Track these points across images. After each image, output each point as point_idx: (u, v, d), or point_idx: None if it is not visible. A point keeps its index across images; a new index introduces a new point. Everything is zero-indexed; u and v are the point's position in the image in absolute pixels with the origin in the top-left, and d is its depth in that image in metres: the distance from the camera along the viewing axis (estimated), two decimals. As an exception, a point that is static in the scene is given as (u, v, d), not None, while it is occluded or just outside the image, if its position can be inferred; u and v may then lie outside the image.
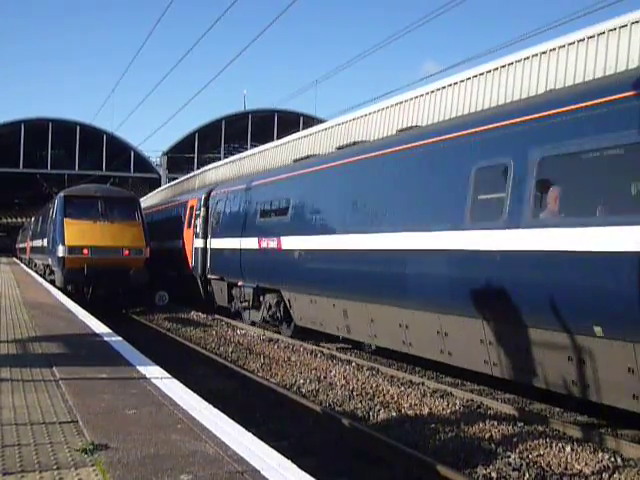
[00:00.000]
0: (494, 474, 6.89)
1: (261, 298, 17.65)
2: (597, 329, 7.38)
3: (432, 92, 14.58)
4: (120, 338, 10.08)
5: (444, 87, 14.11)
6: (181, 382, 6.81)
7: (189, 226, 23.13)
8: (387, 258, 11.31)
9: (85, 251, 21.30)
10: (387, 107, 16.48)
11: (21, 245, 53.08)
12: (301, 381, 11.60)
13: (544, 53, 11.33)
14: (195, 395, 6.21)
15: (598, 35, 10.21)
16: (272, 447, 4.61)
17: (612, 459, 7.33)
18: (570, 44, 10.78)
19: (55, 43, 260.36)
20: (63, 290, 20.43)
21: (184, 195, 27.24)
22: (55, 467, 4.11)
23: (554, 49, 11.08)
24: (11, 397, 5.96)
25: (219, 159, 41.65)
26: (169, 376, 7.11)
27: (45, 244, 25.89)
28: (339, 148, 15.31)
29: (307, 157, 17.49)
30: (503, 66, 12.29)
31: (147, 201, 41.77)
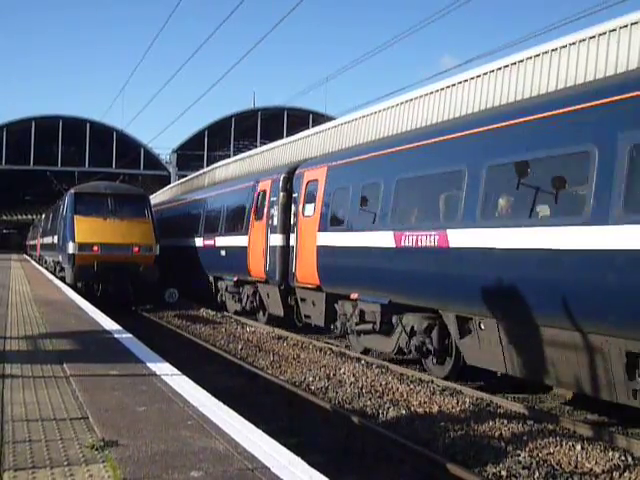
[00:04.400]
0: (504, 472, 6.87)
1: None
2: None
3: (448, 87, 14.42)
4: (130, 335, 10.10)
5: (460, 82, 13.96)
6: (191, 379, 6.82)
7: None
8: None
9: (95, 248, 21.39)
10: (401, 103, 16.33)
11: (31, 242, 53.40)
12: (310, 378, 11.60)
13: (559, 48, 11.24)
14: (205, 392, 6.21)
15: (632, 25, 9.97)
16: (282, 444, 4.61)
17: (623, 458, 7.29)
18: (591, 38, 10.64)
19: (65, 39, 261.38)
20: (73, 287, 20.51)
21: None
22: (66, 463, 4.12)
23: (574, 43, 10.97)
24: (22, 393, 5.98)
25: (229, 156, 41.67)
26: (179, 373, 7.12)
27: (55, 241, 26.00)
28: None
29: None
30: (521, 61, 12.18)
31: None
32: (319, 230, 14.29)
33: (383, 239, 11.81)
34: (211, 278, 22.37)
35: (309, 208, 15.05)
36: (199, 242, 23.37)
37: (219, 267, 21.13)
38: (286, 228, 16.03)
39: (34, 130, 58.38)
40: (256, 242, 17.63)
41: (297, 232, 15.38)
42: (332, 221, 13.98)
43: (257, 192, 18.02)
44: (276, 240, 16.41)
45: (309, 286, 14.86)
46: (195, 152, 61.49)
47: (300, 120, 56.45)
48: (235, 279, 19.64)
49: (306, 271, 14.81)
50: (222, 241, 20.57)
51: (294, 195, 15.88)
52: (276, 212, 16.51)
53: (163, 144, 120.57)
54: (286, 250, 15.97)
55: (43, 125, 58.35)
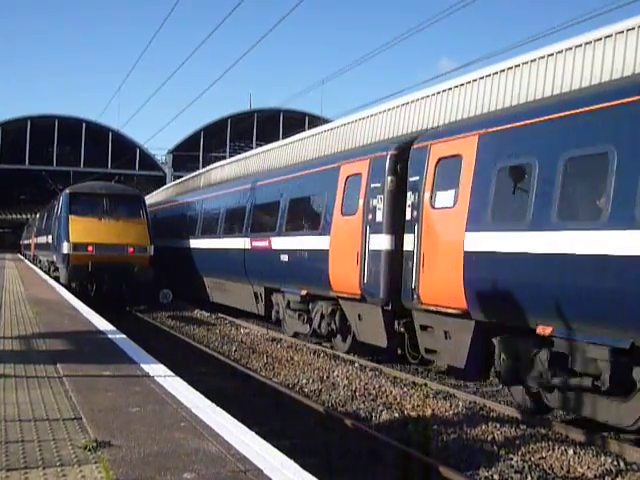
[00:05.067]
0: (496, 476, 6.89)
1: None
2: None
3: (444, 91, 14.33)
4: (124, 335, 10.10)
5: (457, 86, 13.89)
6: (184, 380, 6.82)
7: None
8: None
9: (90, 248, 21.38)
10: (396, 107, 16.23)
11: (26, 241, 53.23)
12: (304, 381, 11.60)
13: (559, 52, 11.27)
14: (198, 393, 6.22)
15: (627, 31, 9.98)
16: (275, 446, 4.62)
17: (615, 463, 7.32)
18: (587, 43, 10.67)
19: (62, 40, 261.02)
20: (67, 287, 20.48)
21: None
22: (58, 464, 4.12)
23: (570, 48, 11.01)
24: (15, 393, 5.98)
25: (224, 158, 41.65)
26: (172, 374, 7.12)
27: (50, 241, 25.96)
28: None
29: None
30: (517, 65, 12.17)
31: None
32: (469, 229, 9.88)
33: (626, 243, 7.47)
34: (260, 289, 17.88)
35: (444, 197, 10.73)
36: (244, 243, 18.58)
37: (277, 276, 16.50)
38: (396, 226, 11.80)
39: (30, 129, 58.18)
40: (344, 245, 13.19)
41: (420, 231, 11.00)
42: (497, 215, 9.56)
43: (344, 178, 13.60)
44: (380, 242, 12.08)
45: (444, 310, 10.44)
46: (191, 153, 61.41)
47: (296, 122, 56.45)
48: (303, 293, 15.04)
49: (440, 288, 10.47)
50: (283, 243, 16.10)
51: (411, 179, 11.49)
52: (380, 204, 12.17)
53: (159, 145, 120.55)
54: (395, 256, 11.72)
55: (39, 124, 58.15)
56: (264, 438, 4.82)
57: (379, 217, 12.15)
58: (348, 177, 13.43)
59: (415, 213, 11.22)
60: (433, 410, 9.50)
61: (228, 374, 12.25)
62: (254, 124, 61.97)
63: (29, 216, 63.56)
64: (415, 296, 10.98)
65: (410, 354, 12.48)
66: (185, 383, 6.68)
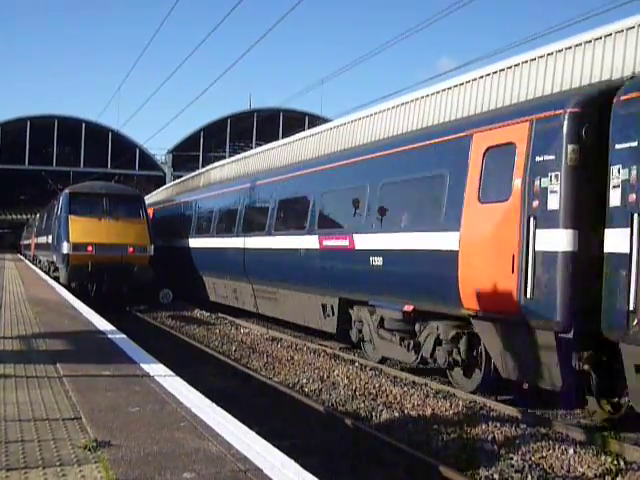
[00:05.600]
0: (496, 476, 6.88)
1: None
2: None
3: (445, 90, 14.27)
4: (124, 335, 10.10)
5: (457, 85, 13.84)
6: (184, 380, 6.82)
7: None
8: None
9: (89, 248, 21.40)
10: (396, 106, 16.18)
11: (26, 242, 53.25)
12: (304, 380, 11.60)
13: (559, 52, 11.26)
14: (198, 393, 6.21)
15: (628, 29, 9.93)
16: (275, 446, 4.61)
17: (615, 462, 7.31)
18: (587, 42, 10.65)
19: (62, 40, 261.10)
20: (67, 287, 20.48)
21: None
22: (58, 464, 4.12)
23: (570, 47, 11.00)
24: (15, 393, 5.98)
25: (224, 158, 41.63)
26: (172, 374, 7.12)
27: (50, 241, 25.96)
28: None
29: None
30: (517, 64, 12.15)
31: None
32: None
33: None
34: (332, 300, 14.26)
35: None
36: (307, 242, 14.82)
37: (362, 284, 12.90)
38: (582, 216, 8.40)
39: (29, 130, 58.19)
40: (486, 243, 9.54)
41: None
42: None
43: (481, 150, 9.93)
44: (556, 240, 8.48)
45: None
46: (191, 153, 61.40)
47: (296, 122, 56.44)
48: (408, 308, 11.37)
49: None
50: (374, 241, 12.35)
51: (619, 147, 7.89)
52: (554, 184, 8.54)
53: (159, 144, 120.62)
54: (582, 261, 8.31)
55: (38, 125, 58.16)
56: (264, 438, 4.81)
57: (553, 204, 8.60)
58: (489, 149, 9.83)
59: (632, 197, 7.75)
60: (433, 409, 9.49)
61: (228, 374, 12.25)
62: (254, 124, 61.98)
63: (29, 216, 63.55)
64: (635, 322, 7.55)
65: (600, 402, 8.93)
66: (185, 383, 6.68)
